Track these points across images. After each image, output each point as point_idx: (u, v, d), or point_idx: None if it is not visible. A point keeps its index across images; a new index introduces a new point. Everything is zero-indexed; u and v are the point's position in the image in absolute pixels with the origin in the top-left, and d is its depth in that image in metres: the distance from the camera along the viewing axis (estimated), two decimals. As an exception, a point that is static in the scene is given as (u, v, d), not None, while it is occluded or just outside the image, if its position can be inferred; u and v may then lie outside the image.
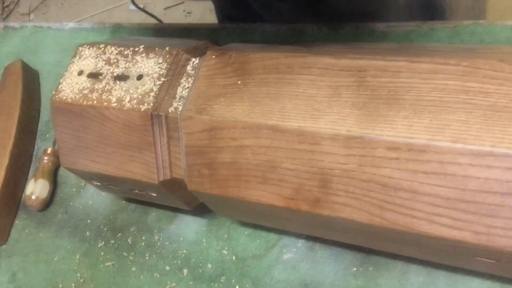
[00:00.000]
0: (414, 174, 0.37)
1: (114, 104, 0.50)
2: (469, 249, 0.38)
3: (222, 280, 0.57)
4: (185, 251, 0.60)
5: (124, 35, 0.81)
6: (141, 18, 2.19)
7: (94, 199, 0.68)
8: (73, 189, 0.71)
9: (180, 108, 0.48)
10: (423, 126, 0.37)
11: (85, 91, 0.52)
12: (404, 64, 0.40)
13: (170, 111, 0.48)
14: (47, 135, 0.77)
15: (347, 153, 0.40)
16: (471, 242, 0.37)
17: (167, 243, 0.61)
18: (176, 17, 2.14)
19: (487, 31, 0.58)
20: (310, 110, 0.42)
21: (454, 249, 0.39)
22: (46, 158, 0.72)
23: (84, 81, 0.53)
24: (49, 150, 0.72)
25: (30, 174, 0.75)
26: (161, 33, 0.78)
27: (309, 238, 0.55)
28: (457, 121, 0.36)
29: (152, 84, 0.49)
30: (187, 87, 0.49)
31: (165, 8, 2.17)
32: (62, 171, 0.73)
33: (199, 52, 0.52)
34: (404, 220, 0.38)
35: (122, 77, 0.51)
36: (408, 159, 0.37)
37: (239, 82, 0.46)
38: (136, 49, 0.52)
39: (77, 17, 2.37)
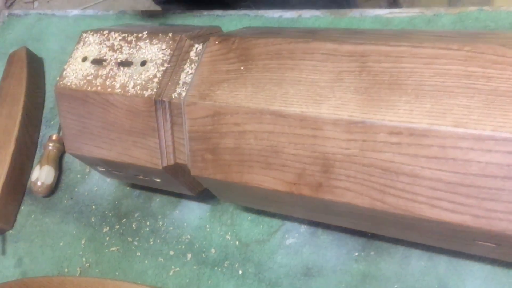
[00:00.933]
0: (416, 158, 0.37)
1: (118, 90, 0.50)
2: (469, 233, 0.38)
3: (226, 265, 0.57)
4: (189, 236, 0.61)
5: (128, 22, 0.81)
6: (145, 6, 2.19)
7: (99, 185, 0.69)
8: (78, 175, 0.71)
9: (184, 94, 0.48)
10: (425, 110, 0.37)
11: (89, 77, 0.53)
12: (406, 49, 0.40)
13: (173, 97, 0.49)
14: (52, 122, 0.78)
15: (349, 138, 0.40)
16: (472, 226, 0.37)
17: (171, 228, 0.62)
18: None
19: (492, 17, 0.58)
20: (312, 95, 0.42)
21: (455, 233, 0.40)
22: (51, 144, 0.72)
23: (88, 67, 0.53)
24: (54, 137, 0.73)
25: (36, 160, 0.75)
26: (165, 20, 0.78)
27: (312, 223, 0.56)
28: (459, 105, 0.36)
29: (156, 70, 0.50)
30: (191, 73, 0.50)
31: (169, -4, 2.16)
32: (67, 158, 0.73)
33: (202, 38, 0.52)
34: (405, 204, 0.39)
35: (125, 63, 0.51)
36: (410, 143, 0.37)
37: (242, 68, 0.46)
38: (140, 35, 0.53)
39: (81, 5, 2.36)
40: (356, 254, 0.53)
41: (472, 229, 0.37)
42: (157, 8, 0.97)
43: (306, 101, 0.42)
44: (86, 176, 0.71)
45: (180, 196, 0.64)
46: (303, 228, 0.56)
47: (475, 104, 0.36)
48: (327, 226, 0.55)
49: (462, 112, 0.36)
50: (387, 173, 0.39)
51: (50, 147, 0.72)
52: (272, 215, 0.58)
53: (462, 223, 0.37)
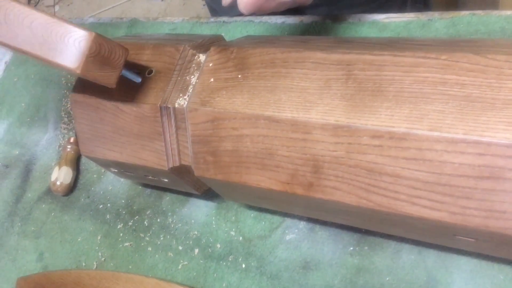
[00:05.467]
0: (396, 160, 0.41)
1: (127, 97, 0.54)
2: (448, 228, 0.41)
3: (230, 259, 0.61)
4: (196, 232, 0.65)
5: (140, 30, 0.85)
6: (160, 9, 2.24)
7: (114, 185, 0.73)
8: (94, 176, 0.76)
9: (187, 100, 0.52)
10: (404, 116, 0.40)
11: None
12: (388, 58, 0.43)
13: (177, 103, 0.52)
14: (71, 125, 0.82)
15: (336, 141, 0.43)
16: (449, 222, 0.40)
17: (180, 225, 0.66)
18: (195, 6, 2.18)
19: (483, 21, 0.60)
20: (303, 101, 0.45)
21: (435, 229, 0.43)
22: (69, 146, 0.77)
23: (100, 76, 0.57)
24: (72, 139, 0.77)
25: (55, 161, 0.80)
26: (174, 27, 0.82)
27: (310, 220, 0.59)
28: (434, 111, 0.39)
29: (161, 78, 0.53)
30: (193, 81, 0.53)
31: (184, -2, 2.20)
32: (84, 159, 0.78)
33: (204, 48, 0.55)
34: (388, 202, 0.42)
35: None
36: (390, 146, 0.41)
37: (239, 76, 0.49)
38: (147, 45, 0.56)
39: (100, 8, 2.42)
40: (351, 248, 0.56)
41: (449, 225, 0.40)
42: (171, 14, 1.00)
43: (297, 107, 0.45)
44: (102, 176, 0.75)
45: (188, 194, 0.67)
46: (302, 224, 0.59)
47: (449, 109, 0.39)
48: (324, 223, 0.58)
49: (437, 117, 0.39)
50: (371, 173, 0.42)
51: (68, 149, 0.77)
52: (274, 212, 0.62)
53: (440, 219, 0.40)
